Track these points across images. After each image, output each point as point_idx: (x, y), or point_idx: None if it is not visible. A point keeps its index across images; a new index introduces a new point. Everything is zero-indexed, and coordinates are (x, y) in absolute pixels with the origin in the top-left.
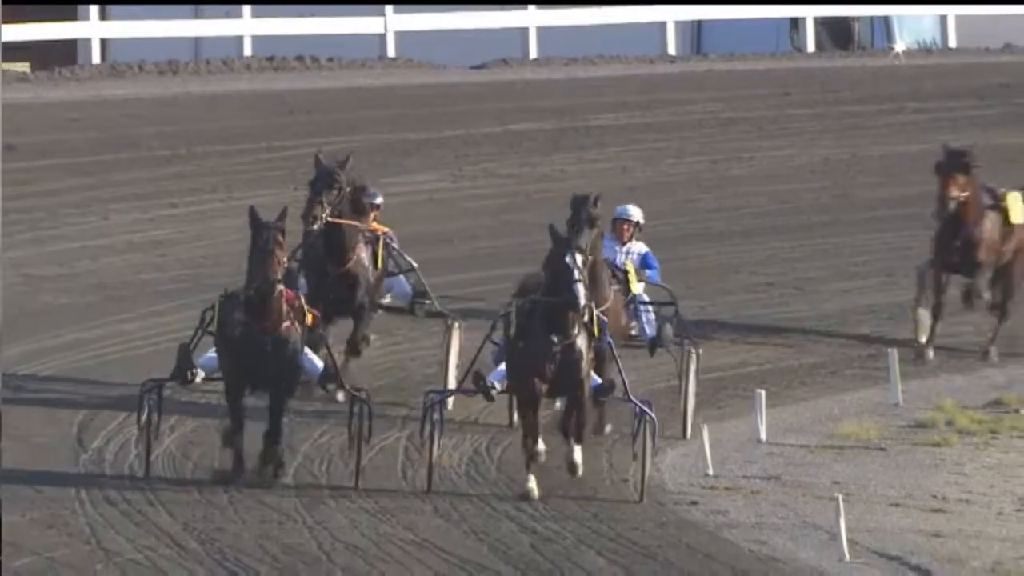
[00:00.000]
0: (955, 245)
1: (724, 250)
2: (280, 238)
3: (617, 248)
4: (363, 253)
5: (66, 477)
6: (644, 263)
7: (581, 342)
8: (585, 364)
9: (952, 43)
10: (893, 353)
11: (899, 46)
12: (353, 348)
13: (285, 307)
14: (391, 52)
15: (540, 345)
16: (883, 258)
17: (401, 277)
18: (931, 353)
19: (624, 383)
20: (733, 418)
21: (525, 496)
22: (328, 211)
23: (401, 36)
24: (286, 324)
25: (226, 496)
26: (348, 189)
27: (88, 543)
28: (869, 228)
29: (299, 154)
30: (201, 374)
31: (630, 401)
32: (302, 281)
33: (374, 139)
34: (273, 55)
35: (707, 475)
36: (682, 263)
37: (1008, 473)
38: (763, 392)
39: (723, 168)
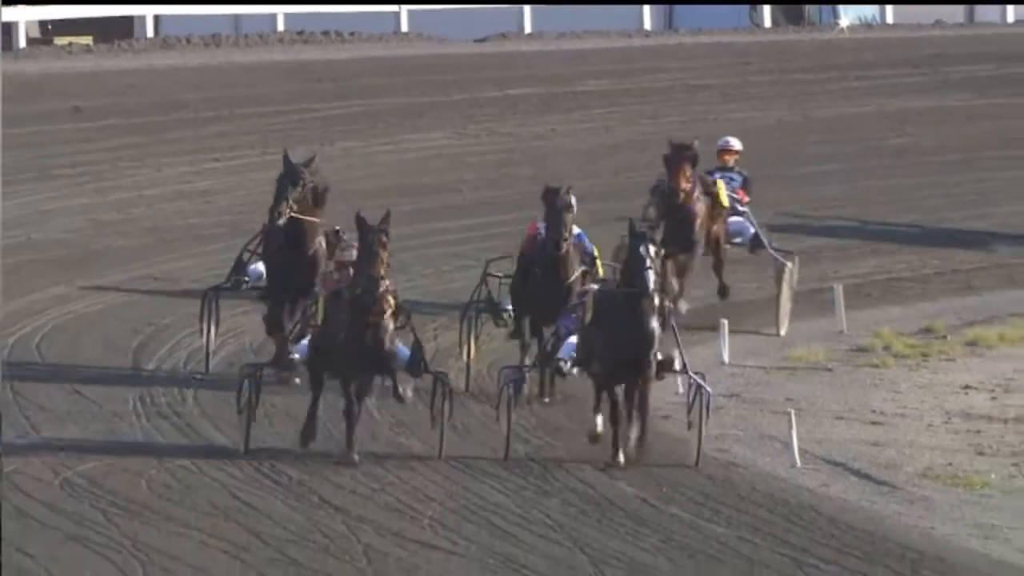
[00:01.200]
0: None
1: None
2: (384, 239)
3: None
4: (322, 244)
5: (124, 394)
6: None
7: (653, 326)
8: (655, 346)
9: (890, 19)
10: (838, 287)
11: (843, 22)
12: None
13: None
14: (404, 28)
15: (615, 331)
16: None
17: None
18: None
19: (682, 358)
20: (700, 344)
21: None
22: (293, 207)
23: (413, 13)
24: (386, 315)
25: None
26: (311, 186)
27: (143, 452)
28: (817, 181)
29: (326, 116)
30: (296, 357)
31: (687, 375)
32: (259, 268)
33: (390, 102)
34: (303, 30)
35: (677, 393)
36: None
37: (937, 391)
38: (726, 321)
39: (692, 128)
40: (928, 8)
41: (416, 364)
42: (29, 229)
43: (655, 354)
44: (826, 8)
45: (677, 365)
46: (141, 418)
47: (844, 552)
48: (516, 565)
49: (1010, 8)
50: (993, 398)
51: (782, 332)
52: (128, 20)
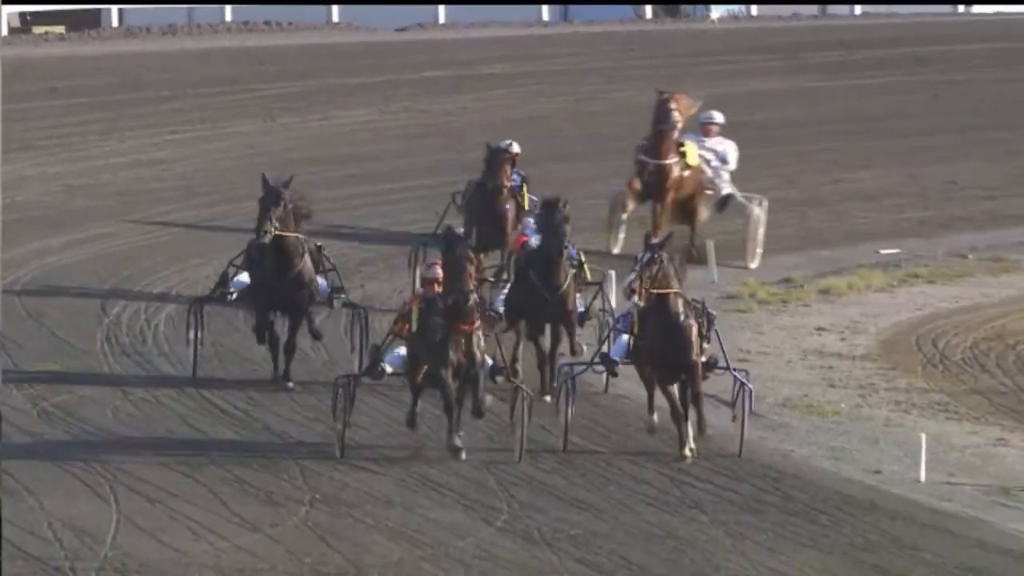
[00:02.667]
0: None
1: (583, 167)
2: (470, 255)
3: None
4: (308, 261)
5: (93, 334)
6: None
7: (692, 329)
8: (697, 347)
9: (754, 12)
10: (710, 243)
11: (714, 15)
12: (291, 347)
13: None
14: (335, 18)
15: (661, 335)
16: None
17: (320, 277)
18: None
19: (725, 357)
20: (589, 295)
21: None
22: (276, 226)
23: (343, 7)
24: (476, 325)
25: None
26: (291, 205)
27: (110, 384)
28: None
29: (267, 95)
30: (389, 369)
31: (731, 372)
32: (243, 279)
33: (323, 83)
34: (248, 20)
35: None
36: (549, 176)
37: (795, 332)
38: (613, 272)
39: (583, 105)
40: (787, 8)
41: (499, 371)
42: (12, 193)
43: (698, 353)
44: (700, 7)
45: (721, 364)
46: (108, 356)
47: (716, 472)
48: (432, 484)
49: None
50: (843, 339)
51: (752, 265)
52: (96, 12)
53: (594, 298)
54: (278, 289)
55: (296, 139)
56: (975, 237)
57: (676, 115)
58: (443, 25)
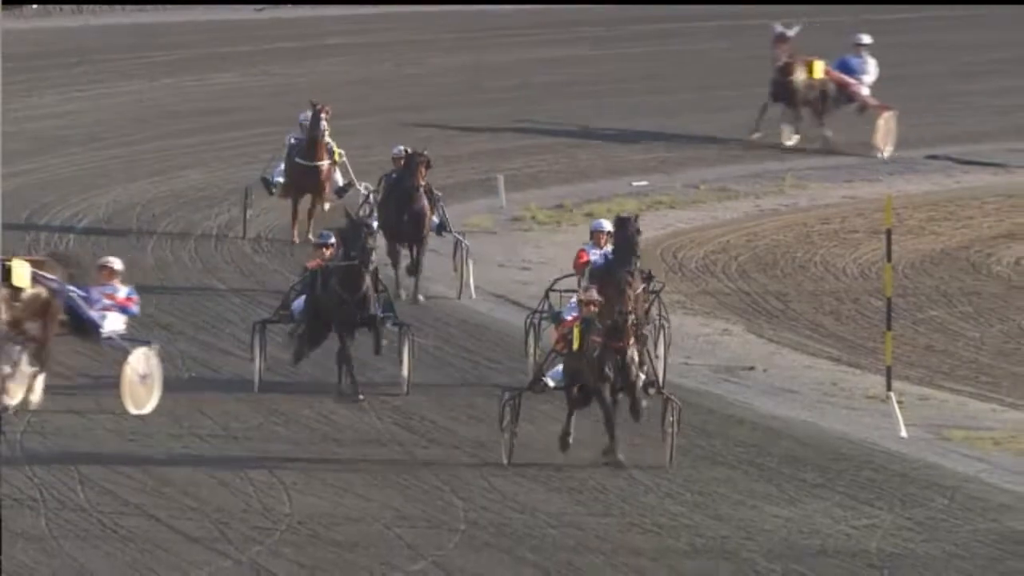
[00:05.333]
0: None
1: (400, 116)
2: (631, 279)
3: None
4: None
5: (20, 247)
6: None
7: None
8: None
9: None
10: (500, 177)
11: None
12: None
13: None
14: None
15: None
16: (500, 120)
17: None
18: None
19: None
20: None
21: None
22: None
23: None
24: (630, 343)
25: None
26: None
27: None
28: (494, 104)
29: (156, 61)
30: (551, 383)
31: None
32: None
33: (201, 51)
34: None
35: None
36: (369, 125)
37: (566, 247)
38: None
39: (402, 69)
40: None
41: (650, 384)
42: None
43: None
44: None
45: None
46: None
47: (508, 354)
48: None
49: None
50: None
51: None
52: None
53: (650, 305)
54: (347, 310)
55: (179, 96)
56: (706, 172)
57: (324, 123)
58: (293, 5)
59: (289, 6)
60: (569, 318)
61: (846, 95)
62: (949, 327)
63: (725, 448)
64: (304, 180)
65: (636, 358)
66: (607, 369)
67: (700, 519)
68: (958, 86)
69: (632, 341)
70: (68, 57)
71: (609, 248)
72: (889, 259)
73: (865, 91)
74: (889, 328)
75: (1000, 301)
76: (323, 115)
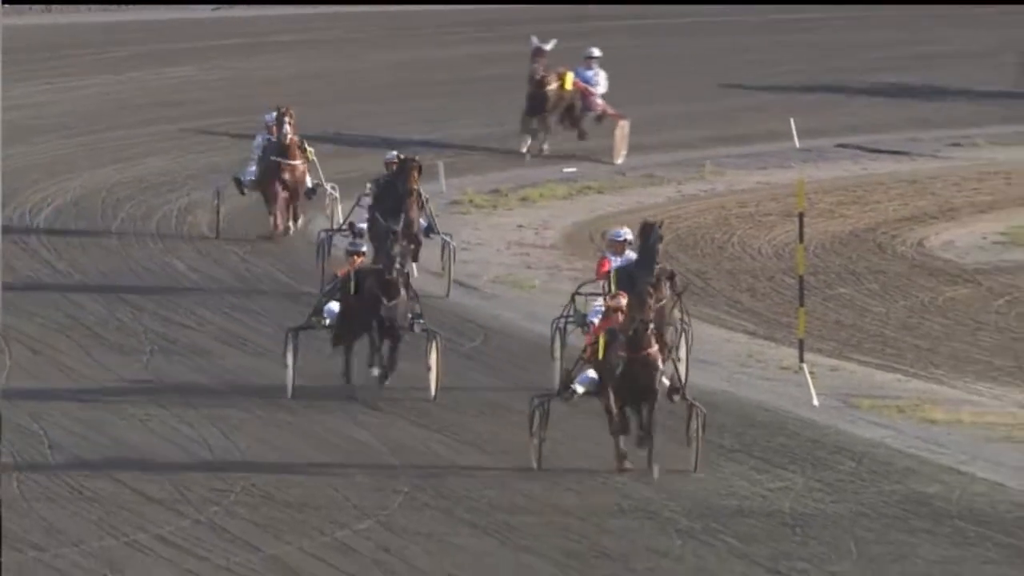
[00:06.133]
0: None
1: (340, 109)
2: (650, 289)
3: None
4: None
5: None
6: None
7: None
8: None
9: None
10: (440, 163)
11: None
12: (394, 364)
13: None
14: None
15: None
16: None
17: None
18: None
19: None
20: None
21: None
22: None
23: None
24: (653, 351)
25: None
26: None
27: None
28: (423, 97)
29: (117, 56)
30: (580, 390)
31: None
32: (333, 308)
33: (157, 47)
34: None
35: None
36: (313, 114)
37: (502, 228)
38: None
39: (344, 63)
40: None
41: (675, 391)
42: None
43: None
44: None
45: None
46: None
47: (452, 329)
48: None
49: None
50: (536, 233)
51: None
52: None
53: (674, 307)
54: (379, 314)
55: (137, 88)
56: (631, 160)
57: (287, 127)
58: (245, 5)
59: (241, 6)
60: (595, 320)
61: (586, 104)
62: (857, 303)
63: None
64: (280, 176)
65: (659, 364)
66: (630, 377)
67: (625, 481)
68: (863, 79)
69: (655, 349)
70: (38, 51)
71: (632, 254)
72: (801, 240)
73: (600, 101)
74: (802, 304)
75: (904, 279)
76: (287, 118)
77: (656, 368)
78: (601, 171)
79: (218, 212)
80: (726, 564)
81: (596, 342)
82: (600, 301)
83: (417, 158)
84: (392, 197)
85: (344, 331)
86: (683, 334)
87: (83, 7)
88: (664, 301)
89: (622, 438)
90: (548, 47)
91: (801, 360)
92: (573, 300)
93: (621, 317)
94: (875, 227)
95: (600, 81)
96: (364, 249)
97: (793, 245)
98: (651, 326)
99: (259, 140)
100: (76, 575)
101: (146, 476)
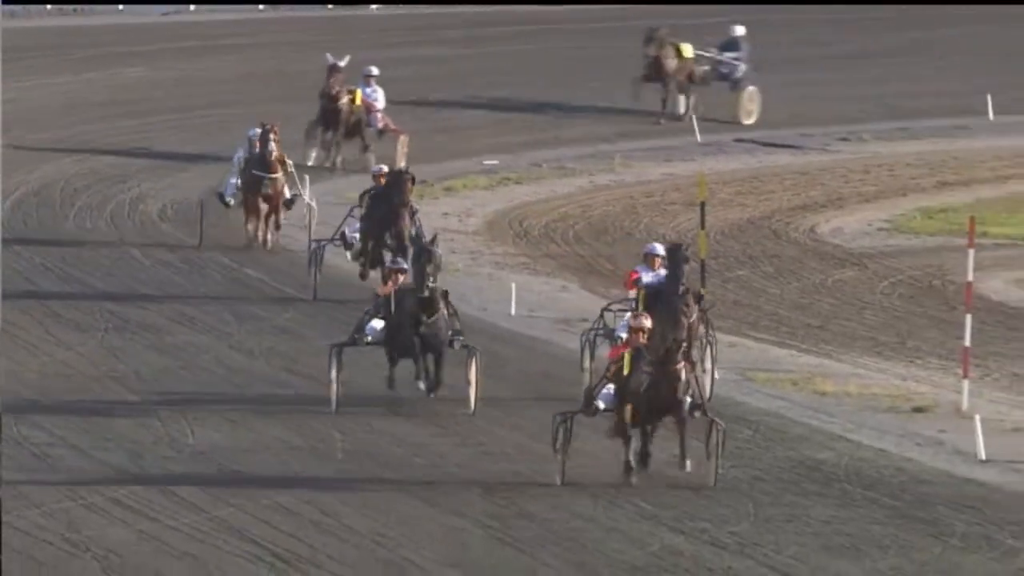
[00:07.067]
0: None
1: (282, 108)
2: (685, 308)
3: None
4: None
5: None
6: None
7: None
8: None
9: None
10: (371, 156)
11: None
12: (439, 380)
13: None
14: (120, 7)
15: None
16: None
17: None
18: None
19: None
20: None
21: None
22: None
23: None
24: (679, 366)
25: None
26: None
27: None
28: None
29: (79, 57)
30: (602, 406)
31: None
32: (375, 326)
33: (115, 50)
34: (76, 8)
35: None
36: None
37: (427, 217)
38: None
39: (284, 65)
40: None
41: (696, 407)
42: None
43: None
44: None
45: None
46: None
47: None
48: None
49: None
50: (460, 220)
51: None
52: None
53: (700, 323)
54: (420, 332)
55: (97, 87)
56: (547, 153)
57: (272, 144)
58: (193, 11)
59: (189, 12)
60: (623, 335)
61: (371, 118)
62: (754, 284)
63: (567, 391)
64: (260, 189)
65: (684, 383)
66: (655, 395)
67: (542, 449)
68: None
69: (681, 365)
70: (9, 53)
71: (663, 271)
72: (703, 227)
73: (380, 116)
74: (703, 285)
75: (797, 263)
76: (272, 135)
77: (679, 380)
78: (520, 162)
79: (202, 224)
80: (635, 524)
81: (620, 359)
82: (628, 316)
83: (410, 170)
84: (383, 208)
85: (389, 349)
86: (708, 347)
87: (43, 9)
88: (693, 318)
89: (631, 454)
90: (343, 63)
91: None
92: (603, 315)
93: (643, 337)
94: (770, 215)
95: (379, 98)
96: (405, 267)
97: (695, 231)
98: (684, 344)
99: (240, 154)
100: (37, 535)
101: (103, 444)
